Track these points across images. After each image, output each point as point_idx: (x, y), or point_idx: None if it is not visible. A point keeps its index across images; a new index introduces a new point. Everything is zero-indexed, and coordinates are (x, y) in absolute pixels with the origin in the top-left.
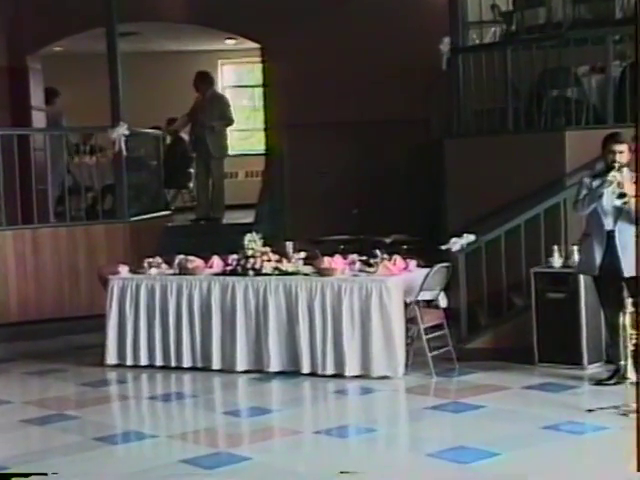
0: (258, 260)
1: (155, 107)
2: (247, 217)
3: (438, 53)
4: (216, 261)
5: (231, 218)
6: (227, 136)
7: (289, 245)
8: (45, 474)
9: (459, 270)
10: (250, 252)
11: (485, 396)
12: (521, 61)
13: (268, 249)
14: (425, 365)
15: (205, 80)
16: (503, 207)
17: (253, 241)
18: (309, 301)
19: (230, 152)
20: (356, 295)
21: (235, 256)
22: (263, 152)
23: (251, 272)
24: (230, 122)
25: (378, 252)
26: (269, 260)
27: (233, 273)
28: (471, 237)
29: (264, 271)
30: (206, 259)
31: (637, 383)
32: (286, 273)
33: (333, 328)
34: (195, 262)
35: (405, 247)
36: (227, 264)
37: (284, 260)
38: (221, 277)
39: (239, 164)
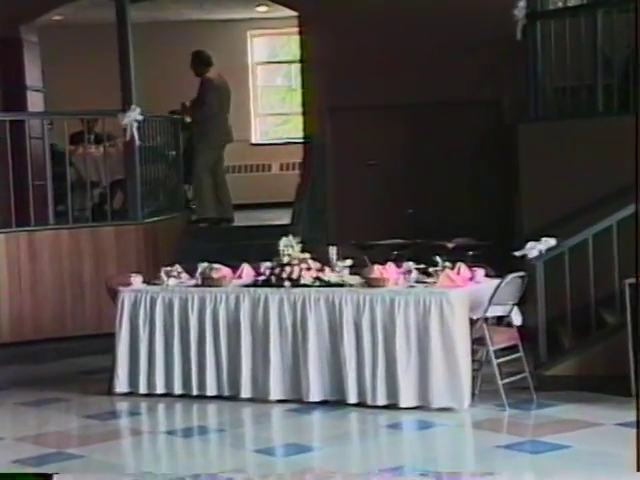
0: (296, 269)
1: (173, 88)
2: (282, 218)
3: (511, 20)
4: (246, 270)
5: (263, 219)
6: (219, 124)
7: (332, 251)
8: (48, 475)
9: (537, 281)
10: (286, 259)
11: (569, 434)
12: (614, 27)
13: (307, 256)
14: (496, 395)
15: (200, 61)
16: (590, 205)
17: (290, 246)
18: (356, 318)
19: (262, 140)
20: (412, 310)
21: (268, 264)
22: (301, 140)
23: (287, 283)
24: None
25: (438, 259)
26: (309, 269)
27: (266, 284)
28: (551, 241)
29: (303, 282)
30: (234, 268)
31: (637, 386)
32: (329, 284)
33: (385, 350)
34: (221, 271)
35: (471, 253)
36: (259, 273)
37: (326, 269)
38: (252, 289)
39: (272, 155)
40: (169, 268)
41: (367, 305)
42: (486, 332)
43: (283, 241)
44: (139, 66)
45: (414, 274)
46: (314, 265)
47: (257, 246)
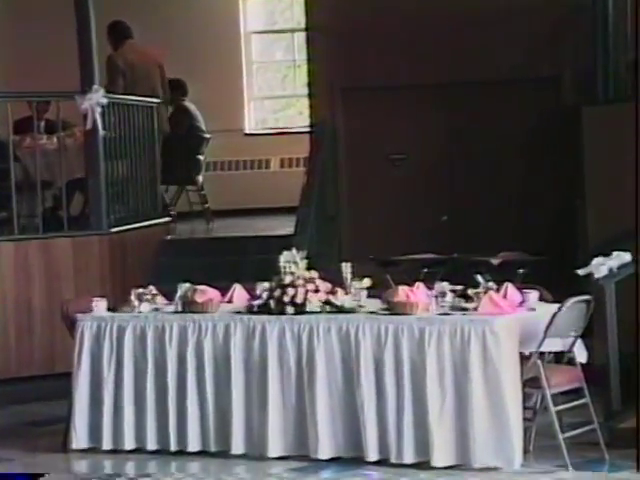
0: (300, 291)
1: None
2: (284, 227)
3: None
4: (238, 292)
5: (260, 229)
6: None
7: (346, 268)
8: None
9: (607, 307)
10: (288, 279)
11: None
12: None
13: (315, 274)
14: (555, 452)
15: (115, 34)
16: None
17: (293, 262)
18: (377, 352)
19: (259, 129)
20: (447, 344)
21: (266, 285)
22: (307, 130)
23: (290, 309)
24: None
25: (480, 278)
26: (317, 291)
27: (263, 310)
28: (625, 256)
29: (309, 307)
30: (223, 290)
31: (637, 386)
32: (342, 310)
33: (413, 394)
34: (207, 294)
35: (521, 271)
36: (254, 297)
37: (339, 291)
38: (245, 316)
39: (271, 148)
40: (141, 290)
41: (390, 337)
42: (542, 371)
43: (284, 256)
44: (103, 36)
45: (449, 298)
46: (323, 286)
47: (252, 262)
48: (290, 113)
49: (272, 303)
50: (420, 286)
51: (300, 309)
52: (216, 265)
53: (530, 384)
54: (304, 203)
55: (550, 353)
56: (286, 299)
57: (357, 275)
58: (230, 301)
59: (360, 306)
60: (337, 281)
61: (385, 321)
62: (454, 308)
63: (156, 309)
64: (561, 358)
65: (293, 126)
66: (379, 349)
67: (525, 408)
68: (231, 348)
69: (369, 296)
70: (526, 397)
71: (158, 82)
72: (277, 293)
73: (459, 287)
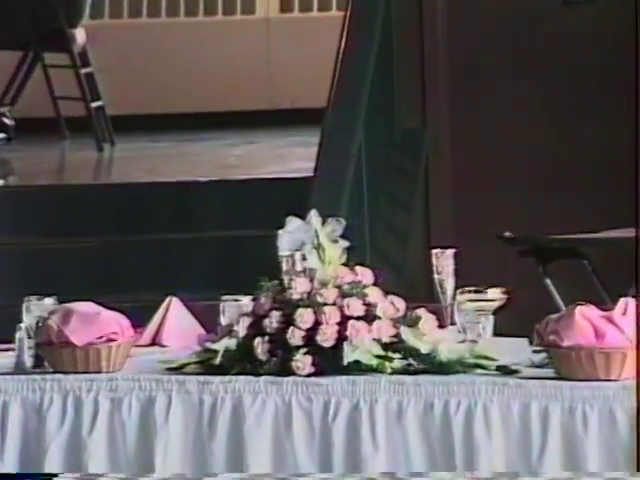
0: (331, 317)
1: None
2: (283, 160)
3: None
4: (174, 319)
5: (222, 164)
6: None
7: (444, 260)
8: (55, 475)
9: None
10: (300, 287)
11: None
12: None
13: (366, 275)
14: None
15: None
16: None
17: (312, 247)
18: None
19: None
20: None
21: (246, 302)
22: None
23: (303, 362)
24: None
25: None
26: (368, 317)
27: (237, 364)
28: None
29: (352, 357)
30: (139, 312)
31: (637, 384)
32: (436, 366)
33: None
34: (97, 324)
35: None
36: (212, 329)
37: (425, 317)
38: (193, 380)
39: None
40: None
41: (564, 444)
42: None
43: (291, 231)
44: None
45: None
46: (386, 306)
47: (206, 244)
48: None
49: (260, 347)
50: (628, 307)
51: (331, 364)
52: (120, 251)
53: None
54: (336, 106)
55: None
56: (295, 338)
57: (468, 278)
58: (155, 342)
59: (483, 357)
60: (418, 294)
61: (545, 397)
62: None
63: None
64: None
65: None
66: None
67: None
68: (156, 458)
69: (497, 333)
70: None
71: None
72: (273, 323)
73: None
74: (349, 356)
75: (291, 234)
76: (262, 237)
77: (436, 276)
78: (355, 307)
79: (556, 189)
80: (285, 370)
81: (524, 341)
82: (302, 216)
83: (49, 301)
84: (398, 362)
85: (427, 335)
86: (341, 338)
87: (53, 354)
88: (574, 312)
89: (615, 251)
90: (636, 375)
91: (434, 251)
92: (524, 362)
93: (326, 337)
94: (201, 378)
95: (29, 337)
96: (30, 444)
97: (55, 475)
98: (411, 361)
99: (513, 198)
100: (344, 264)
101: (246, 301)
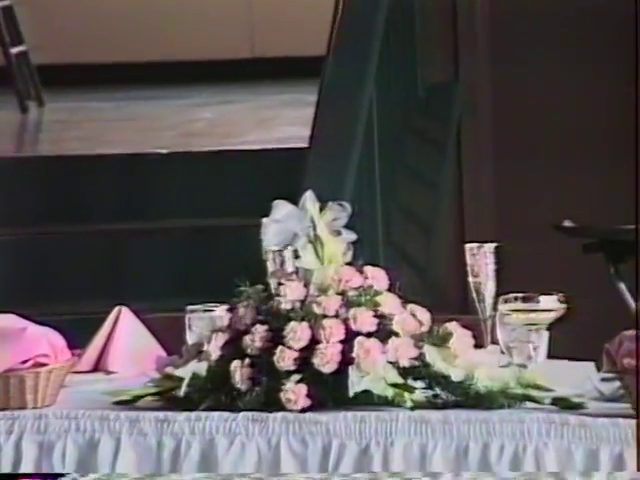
0: (334, 335)
1: None
2: (267, 127)
3: None
4: (123, 337)
5: (186, 132)
6: None
7: (484, 258)
8: (61, 475)
9: None
10: (292, 294)
11: None
12: None
13: (383, 279)
14: None
15: None
16: None
17: (307, 241)
18: None
19: None
20: None
21: (220, 312)
22: None
23: (294, 394)
24: None
25: None
26: (382, 334)
27: (206, 394)
28: None
29: (358, 386)
30: (75, 328)
31: (637, 381)
32: (470, 398)
33: None
34: (19, 344)
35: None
36: (174, 351)
37: (457, 331)
38: (148, 415)
39: None
40: None
41: None
42: None
43: (282, 219)
44: None
45: None
46: (404, 319)
47: (173, 239)
48: None
49: (238, 373)
50: None
51: (332, 395)
52: (52, 246)
53: None
54: (338, 53)
55: None
56: (285, 361)
57: (514, 282)
58: (98, 367)
59: (534, 386)
60: (448, 303)
61: (618, 440)
62: None
63: None
64: None
65: None
66: None
67: None
68: None
69: (552, 355)
70: None
71: None
72: (256, 341)
73: None
74: (356, 385)
75: (279, 224)
76: (241, 228)
77: (471, 279)
78: (364, 320)
79: (628, 165)
80: (272, 403)
81: (590, 365)
82: (294, 200)
83: None
84: (421, 393)
85: (459, 357)
86: (345, 361)
87: None
88: None
89: None
90: (637, 383)
91: (468, 246)
92: (589, 393)
93: (326, 360)
94: (160, 415)
95: None
96: None
97: (62, 475)
98: (438, 391)
99: (574, 176)
100: (349, 263)
101: (220, 312)
